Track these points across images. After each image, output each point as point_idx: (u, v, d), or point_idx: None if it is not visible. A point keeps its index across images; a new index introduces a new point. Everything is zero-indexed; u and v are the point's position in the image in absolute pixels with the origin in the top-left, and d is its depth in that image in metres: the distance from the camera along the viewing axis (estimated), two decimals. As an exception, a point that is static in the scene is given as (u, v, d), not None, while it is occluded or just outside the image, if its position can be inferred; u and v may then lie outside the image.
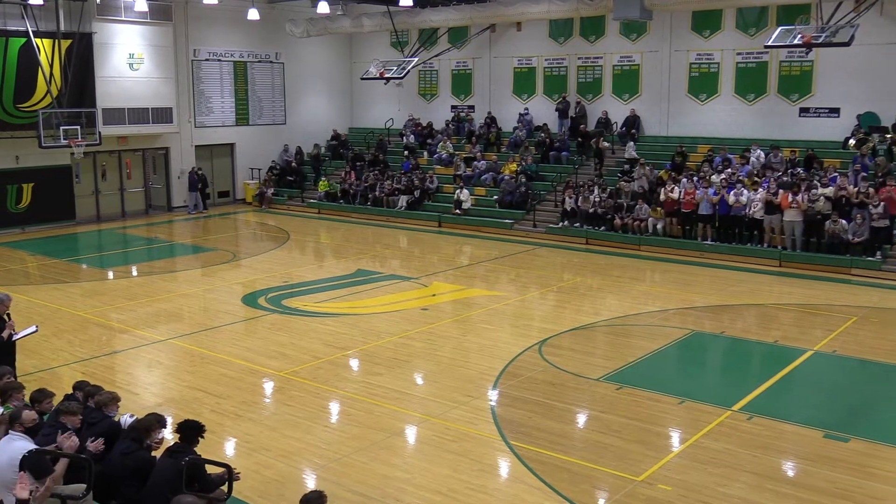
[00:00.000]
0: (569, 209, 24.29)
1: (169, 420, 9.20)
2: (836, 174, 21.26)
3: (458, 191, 26.97)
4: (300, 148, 33.07)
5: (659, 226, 22.62)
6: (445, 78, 32.47)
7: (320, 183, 30.60)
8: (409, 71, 28.07)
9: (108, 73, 27.19)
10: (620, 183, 24.18)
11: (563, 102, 28.56)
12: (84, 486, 6.84)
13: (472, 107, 31.88)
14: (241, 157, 31.94)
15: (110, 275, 20.55)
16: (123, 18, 27.47)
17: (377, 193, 28.73)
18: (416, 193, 27.95)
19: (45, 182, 26.52)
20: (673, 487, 8.88)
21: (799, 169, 22.27)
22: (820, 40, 20.05)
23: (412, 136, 31.71)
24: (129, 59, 27.79)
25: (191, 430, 7.46)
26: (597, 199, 23.72)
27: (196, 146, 30.53)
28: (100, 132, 26.32)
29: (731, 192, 21.36)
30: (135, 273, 20.89)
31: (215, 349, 13.85)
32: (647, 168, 24.34)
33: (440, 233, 26.00)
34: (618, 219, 23.08)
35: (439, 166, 29.56)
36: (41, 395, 8.03)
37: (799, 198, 20.33)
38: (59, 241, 24.89)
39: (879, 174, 20.85)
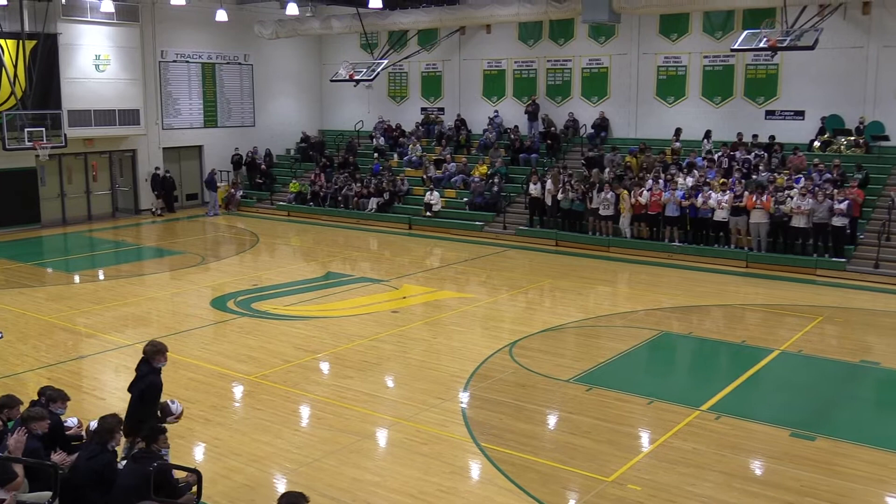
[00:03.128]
0: (534, 194, 24.18)
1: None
2: (801, 176, 21.50)
3: (428, 193, 26.96)
4: (269, 151, 32.89)
5: (627, 228, 22.70)
6: (415, 80, 32.44)
7: (291, 184, 30.43)
8: (378, 73, 28.01)
9: (73, 75, 26.86)
10: (593, 171, 24.28)
11: (533, 105, 28.65)
12: (49, 493, 6.73)
13: (441, 109, 31.87)
14: (209, 160, 31.69)
15: (76, 279, 20.26)
16: (89, 19, 27.15)
17: (347, 195, 28.66)
18: (387, 196, 27.88)
19: (10, 185, 26.13)
20: (642, 487, 8.88)
21: (764, 174, 22.43)
22: (785, 44, 20.28)
23: (382, 138, 31.64)
24: (95, 61, 27.46)
25: (153, 433, 7.39)
26: (566, 183, 23.63)
27: (164, 148, 30.26)
28: (65, 134, 26.01)
29: (698, 195, 21.51)
30: (101, 277, 20.62)
31: (184, 353, 13.67)
32: (616, 154, 24.80)
33: (410, 235, 25.92)
34: (589, 202, 22.99)
35: (409, 168, 29.52)
36: (10, 402, 7.91)
37: (765, 199, 20.51)
38: (23, 244, 24.56)
39: (838, 175, 21.18)
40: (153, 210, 29.61)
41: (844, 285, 18.75)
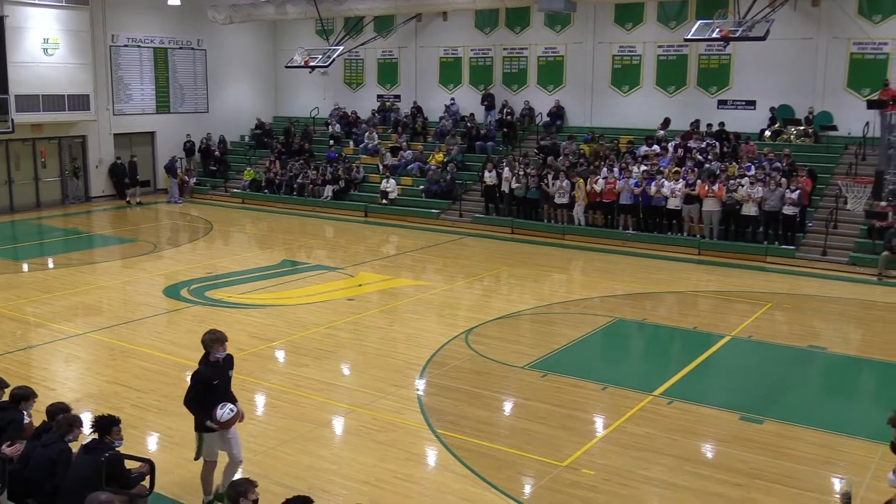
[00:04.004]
0: (489, 182, 24.25)
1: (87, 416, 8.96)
2: (752, 164, 21.79)
3: (384, 180, 26.88)
4: (223, 137, 32.51)
5: (581, 216, 22.85)
6: (371, 67, 32.28)
7: (245, 171, 30.14)
8: (334, 59, 27.82)
9: (21, 59, 26.26)
10: (549, 159, 24.41)
11: (489, 96, 28.70)
12: (-1, 485, 6.68)
13: (398, 96, 31.76)
14: (162, 146, 31.24)
15: (25, 267, 19.90)
16: (37, 2, 26.57)
17: (302, 182, 28.47)
18: (342, 183, 27.77)
19: (-45, 171, 25.60)
20: (596, 472, 8.99)
21: (716, 163, 22.68)
22: (737, 34, 20.56)
23: (338, 125, 31.45)
24: (43, 44, 26.86)
25: (106, 424, 7.28)
26: (522, 172, 23.71)
27: (115, 134, 29.77)
28: (12, 119, 25.45)
29: (652, 184, 21.67)
30: (51, 265, 20.27)
31: (136, 342, 13.55)
32: (572, 143, 25.07)
33: (366, 223, 25.83)
34: (545, 186, 23.10)
35: (365, 156, 29.37)
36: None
37: (716, 187, 20.75)
38: (-31, 232, 24.10)
39: (787, 164, 21.52)
40: (129, 200, 29.04)
41: (793, 272, 19.02)
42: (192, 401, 8.06)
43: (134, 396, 11.24)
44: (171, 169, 29.90)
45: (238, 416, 8.01)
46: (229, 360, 8.25)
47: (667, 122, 25.48)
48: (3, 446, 7.36)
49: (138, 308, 15.88)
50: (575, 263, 20.47)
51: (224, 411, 7.92)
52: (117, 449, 7.28)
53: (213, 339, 8.02)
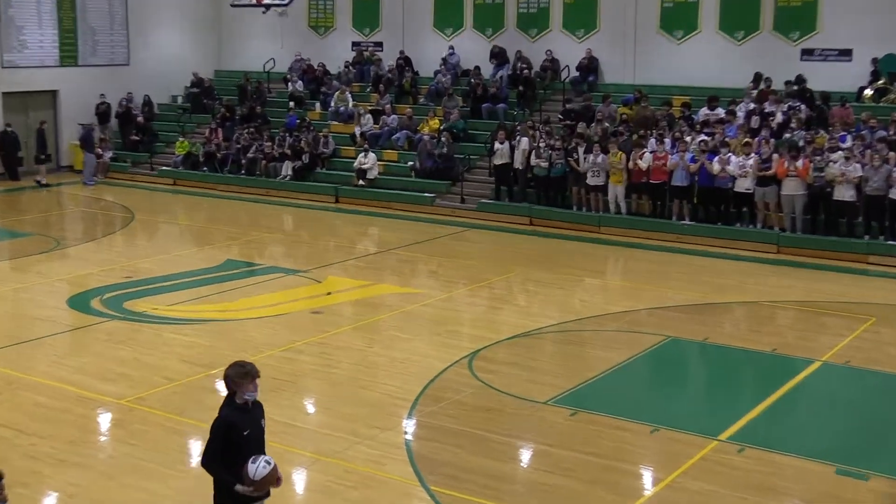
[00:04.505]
0: (499, 163, 24.03)
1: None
2: (846, 134, 21.56)
3: (360, 155, 26.61)
4: (149, 98, 32.17)
5: (621, 202, 22.62)
6: (344, 5, 32.11)
7: (178, 143, 29.94)
8: (295, -4, 27.60)
9: None
10: (579, 126, 24.20)
11: (499, 48, 28.57)
12: None
13: (379, 44, 31.60)
14: (66, 109, 31.03)
15: None
16: None
17: (252, 157, 28.19)
18: (305, 159, 27.53)
19: None
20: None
21: (799, 131, 22.35)
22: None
23: (300, 82, 31.13)
24: None
25: None
26: (544, 145, 23.51)
27: (3, 94, 29.55)
28: None
29: (715, 159, 21.37)
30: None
31: (31, 370, 13.36)
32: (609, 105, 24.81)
33: (337, 210, 25.72)
34: (573, 162, 22.91)
35: (336, 123, 29.10)
36: None
37: (800, 164, 20.41)
38: None
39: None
40: (38, 180, 28.94)
41: (904, 276, 18.96)
42: (213, 458, 7.52)
43: (26, 443, 11.02)
44: (87, 141, 29.69)
45: (275, 474, 7.48)
46: (260, 404, 7.79)
47: (758, 78, 24.79)
48: None
49: (34, 324, 15.71)
50: (613, 264, 20.53)
51: (258, 465, 7.33)
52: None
53: (242, 374, 7.50)
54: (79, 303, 16.86)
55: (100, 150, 30.23)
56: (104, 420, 11.97)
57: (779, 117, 23.11)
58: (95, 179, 29.40)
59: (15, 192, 28.10)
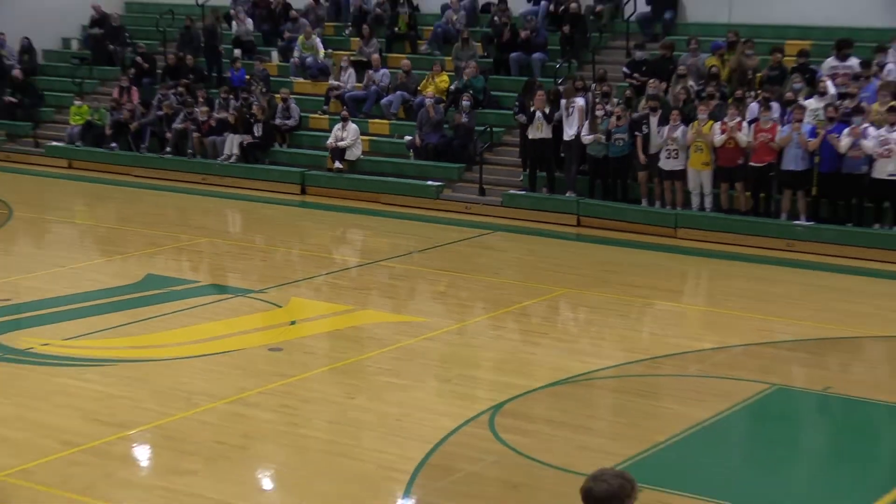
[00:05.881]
0: (534, 137, 17.46)
1: None
2: None
3: (337, 126, 19.10)
4: (30, 42, 23.80)
5: (709, 193, 16.55)
6: None
7: (73, 106, 22.06)
8: None
9: None
10: (650, 84, 17.86)
11: None
12: None
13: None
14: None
15: None
16: None
17: (181, 128, 20.56)
18: (258, 131, 19.95)
19: None
20: None
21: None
22: None
23: (249, 20, 22.88)
24: None
25: None
26: (601, 113, 17.21)
27: None
28: None
29: (845, 131, 15.29)
30: None
31: None
32: (696, 55, 18.68)
33: (304, 206, 19.53)
34: (641, 145, 16.95)
35: (302, 79, 21.29)
36: None
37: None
38: None
39: None
40: None
41: None
42: None
43: None
44: None
45: None
46: None
47: None
48: None
49: None
50: (696, 282, 16.18)
51: None
52: None
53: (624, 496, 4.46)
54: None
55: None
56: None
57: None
58: None
59: None
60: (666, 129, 16.01)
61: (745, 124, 15.52)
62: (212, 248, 16.92)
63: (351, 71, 20.52)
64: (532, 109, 17.17)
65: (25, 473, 9.20)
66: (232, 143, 19.77)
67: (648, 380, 11.74)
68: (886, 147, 14.59)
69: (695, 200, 16.22)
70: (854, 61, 16.89)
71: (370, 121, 19.65)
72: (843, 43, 17.43)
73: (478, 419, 10.16)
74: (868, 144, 14.69)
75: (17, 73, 22.62)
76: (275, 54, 22.25)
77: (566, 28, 19.44)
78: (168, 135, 20.59)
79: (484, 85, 19.21)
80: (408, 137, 18.94)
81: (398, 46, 21.18)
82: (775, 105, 15.89)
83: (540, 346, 12.61)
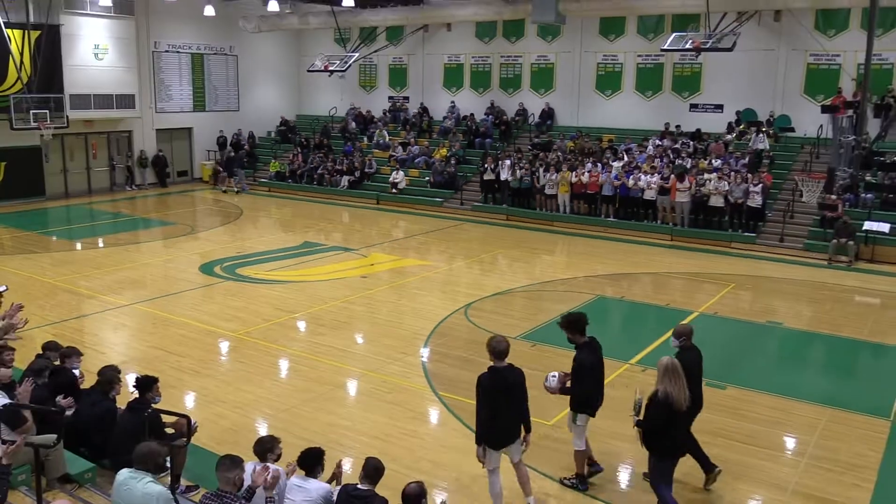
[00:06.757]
0: (486, 178, 23.69)
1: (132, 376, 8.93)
2: (719, 160, 21.60)
3: (394, 172, 26.38)
4: (252, 133, 32.09)
5: (567, 205, 22.55)
6: (383, 71, 31.87)
7: (271, 163, 29.66)
8: (350, 65, 27.49)
9: (75, 62, 26.08)
10: (542, 154, 23.95)
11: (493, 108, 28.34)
12: (55, 435, 6.66)
13: (406, 98, 31.32)
14: (198, 140, 31.03)
15: (78, 246, 19.70)
16: (89, 12, 26.35)
17: (321, 173, 28.00)
18: (357, 174, 27.27)
19: (17, 161, 25.43)
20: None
21: (688, 159, 22.38)
22: (707, 45, 20.31)
23: (353, 123, 30.89)
24: (94, 50, 26.71)
25: (146, 383, 7.26)
26: (517, 166, 23.22)
27: (157, 129, 29.55)
28: (67, 116, 25.25)
29: (630, 177, 21.37)
30: (101, 244, 19.97)
31: (175, 313, 13.43)
32: (562, 141, 24.71)
33: (378, 210, 25.36)
34: (536, 181, 22.58)
35: (377, 150, 28.88)
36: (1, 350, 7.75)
37: (685, 183, 20.50)
38: (29, 215, 23.85)
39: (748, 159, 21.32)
40: (225, 189, 28.41)
41: (754, 257, 18.76)
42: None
43: (173, 360, 11.18)
44: (238, 161, 29.10)
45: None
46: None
47: (667, 126, 24.24)
48: (59, 398, 7.38)
49: (177, 283, 15.69)
50: (562, 247, 20.10)
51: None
52: (156, 405, 7.27)
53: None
54: (206, 269, 16.76)
55: (219, 168, 29.90)
56: (224, 346, 11.96)
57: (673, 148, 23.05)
58: (245, 187, 28.67)
59: (164, 196, 27.99)
60: (548, 174, 22.46)
61: (585, 173, 22.02)
62: (334, 228, 22.11)
63: (400, 146, 27.64)
64: (485, 165, 23.83)
65: (247, 333, 12.14)
66: (344, 180, 26.87)
67: (539, 292, 14.99)
68: (649, 184, 20.83)
69: (561, 209, 22.47)
70: (633, 145, 23.50)
71: (409, 170, 26.75)
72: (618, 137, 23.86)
73: (458, 311, 13.44)
74: (641, 183, 21.06)
75: (246, 147, 29.94)
76: (365, 139, 29.43)
77: (503, 127, 26.55)
78: (315, 176, 27.61)
79: (463, 154, 26.23)
80: (427, 178, 25.94)
81: (423, 135, 28.47)
82: (599, 164, 22.29)
83: (488, 276, 16.41)
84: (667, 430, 6.71)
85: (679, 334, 7.79)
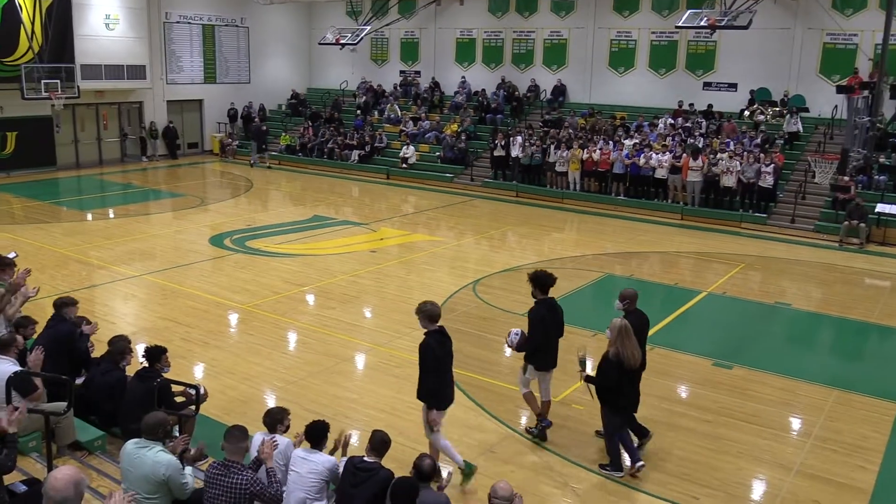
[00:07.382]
0: (497, 155, 23.73)
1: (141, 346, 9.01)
2: (730, 140, 21.47)
3: (404, 147, 26.43)
4: (263, 105, 32.07)
5: (578, 182, 22.54)
6: (395, 45, 31.77)
7: (281, 136, 29.71)
8: (362, 38, 27.36)
9: (86, 32, 26.04)
10: (553, 131, 23.94)
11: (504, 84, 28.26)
12: (65, 403, 6.74)
13: (418, 72, 31.27)
14: (208, 112, 31.02)
15: (89, 216, 19.81)
16: (100, -19, 26.31)
17: (331, 147, 28.04)
18: (367, 149, 27.32)
19: (28, 131, 25.48)
20: (584, 407, 8.94)
21: (699, 136, 22.27)
22: (722, 23, 20.11)
23: (364, 97, 30.83)
24: (105, 20, 26.66)
25: (156, 353, 7.34)
26: (528, 143, 23.23)
27: (168, 101, 29.54)
28: (78, 86, 25.32)
29: (641, 156, 21.32)
30: (111, 215, 20.14)
31: (185, 284, 13.51)
32: (573, 117, 24.54)
33: (388, 184, 25.45)
34: (547, 158, 22.60)
35: (388, 125, 28.91)
36: (26, 322, 7.83)
37: (699, 162, 20.42)
38: (41, 185, 23.94)
39: (764, 141, 21.19)
40: (252, 163, 28.14)
41: (764, 237, 18.79)
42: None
43: (182, 331, 11.25)
44: (258, 135, 28.76)
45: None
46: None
47: (681, 104, 24.02)
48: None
49: (187, 254, 15.72)
50: (571, 224, 20.11)
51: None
52: (165, 374, 7.34)
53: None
54: (216, 241, 16.83)
55: (229, 140, 29.98)
56: (233, 318, 12.01)
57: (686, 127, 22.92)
58: (259, 162, 28.38)
59: (174, 167, 28.04)
60: (559, 152, 22.46)
61: (596, 150, 21.96)
62: (344, 202, 22.14)
63: (411, 121, 27.64)
64: (496, 141, 23.75)
65: (255, 306, 12.25)
66: (354, 154, 26.90)
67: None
68: (661, 163, 20.73)
69: (571, 186, 22.46)
70: (646, 122, 23.42)
71: (420, 145, 26.74)
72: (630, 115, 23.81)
73: (467, 286, 13.45)
74: (652, 162, 21.01)
75: (256, 120, 29.67)
76: (376, 113, 29.38)
77: (514, 103, 26.47)
78: (325, 149, 27.59)
79: (474, 129, 26.16)
80: (437, 153, 25.92)
81: (434, 110, 28.46)
82: (611, 142, 22.16)
83: (497, 252, 16.42)
84: (620, 387, 7.36)
85: (623, 297, 8.31)
